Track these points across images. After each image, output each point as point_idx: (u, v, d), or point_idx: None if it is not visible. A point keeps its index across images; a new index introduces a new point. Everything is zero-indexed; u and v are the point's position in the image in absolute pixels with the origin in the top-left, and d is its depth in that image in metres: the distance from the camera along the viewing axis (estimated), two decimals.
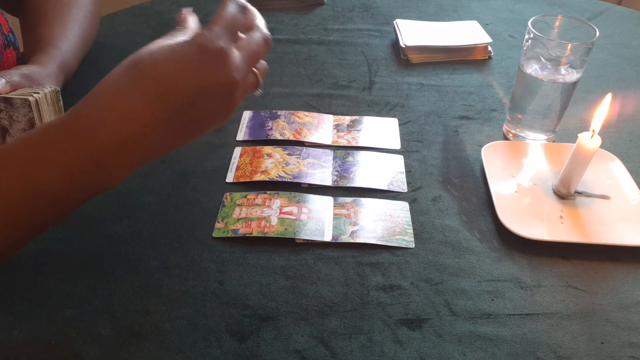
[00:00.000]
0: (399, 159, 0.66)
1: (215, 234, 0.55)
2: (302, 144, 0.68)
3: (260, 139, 0.68)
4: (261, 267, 0.52)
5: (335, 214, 0.57)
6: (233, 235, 0.55)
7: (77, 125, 0.39)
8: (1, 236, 0.40)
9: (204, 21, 1.02)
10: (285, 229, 0.55)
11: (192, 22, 0.44)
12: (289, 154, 0.65)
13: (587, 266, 0.53)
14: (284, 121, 0.71)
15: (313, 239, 0.54)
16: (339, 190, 0.61)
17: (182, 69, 0.39)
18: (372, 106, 0.75)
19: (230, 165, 0.64)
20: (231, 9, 0.42)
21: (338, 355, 0.45)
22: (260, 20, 0.44)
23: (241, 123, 0.71)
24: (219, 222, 0.56)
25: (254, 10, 0.43)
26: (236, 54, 0.40)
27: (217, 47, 0.39)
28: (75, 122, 0.39)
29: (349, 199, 0.59)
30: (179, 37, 0.40)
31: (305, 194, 0.60)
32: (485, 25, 0.93)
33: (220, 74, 0.39)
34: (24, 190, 0.38)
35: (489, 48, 0.87)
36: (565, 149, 0.65)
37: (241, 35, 0.43)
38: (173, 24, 0.47)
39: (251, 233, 0.55)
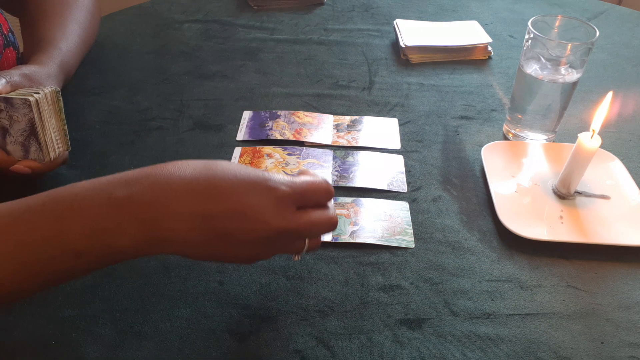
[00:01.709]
0: (399, 159, 0.66)
1: None
2: (302, 144, 0.68)
3: (260, 139, 0.68)
4: (261, 267, 0.52)
5: None
6: None
7: (122, 191, 0.38)
8: (20, 285, 0.38)
9: (203, 21, 1.01)
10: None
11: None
12: (289, 154, 0.65)
13: (587, 266, 0.53)
14: (284, 121, 0.71)
15: None
16: (339, 190, 0.61)
17: (237, 184, 0.39)
18: (372, 106, 0.75)
19: None
20: (321, 185, 0.42)
21: (338, 355, 0.45)
22: (332, 204, 0.44)
23: (241, 123, 0.71)
24: None
25: (333, 194, 0.44)
26: (291, 209, 0.40)
27: (278, 188, 0.39)
28: (120, 186, 0.38)
29: (349, 199, 0.59)
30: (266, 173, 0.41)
31: None
32: (485, 25, 0.93)
33: (264, 207, 0.39)
34: (53, 245, 0.37)
35: (489, 48, 0.87)
36: (565, 149, 0.65)
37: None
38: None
39: None
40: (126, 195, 0.38)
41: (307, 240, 0.43)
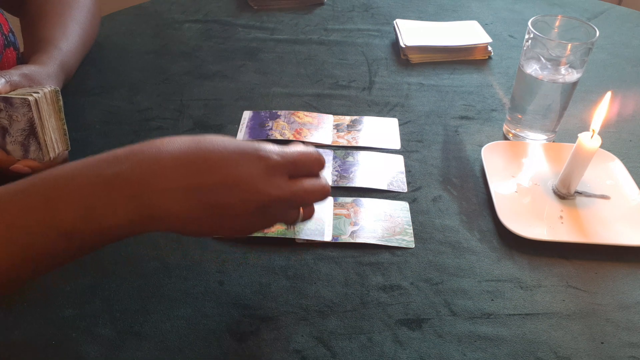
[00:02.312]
0: (399, 159, 0.66)
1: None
2: (302, 144, 0.68)
3: (260, 139, 0.68)
4: (261, 267, 0.52)
5: (335, 214, 0.57)
6: None
7: (112, 170, 0.38)
8: (14, 272, 0.38)
9: (203, 21, 1.01)
10: (286, 229, 0.55)
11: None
12: None
13: (587, 266, 0.53)
14: (284, 121, 0.71)
15: (313, 239, 0.54)
16: (339, 190, 0.61)
17: (227, 156, 0.39)
18: (372, 106, 0.75)
19: None
20: (312, 155, 0.43)
21: (338, 355, 0.45)
22: (323, 174, 0.44)
23: (241, 123, 0.71)
24: None
25: (324, 164, 0.44)
26: (284, 178, 0.40)
27: (270, 158, 0.40)
28: (108, 164, 0.38)
29: (349, 199, 0.59)
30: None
31: None
32: (485, 25, 0.93)
33: (256, 177, 0.39)
34: (45, 227, 0.37)
35: (489, 48, 0.87)
36: (565, 149, 0.65)
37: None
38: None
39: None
40: (115, 173, 0.37)
41: (301, 210, 0.43)
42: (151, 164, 0.38)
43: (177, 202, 0.38)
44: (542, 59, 0.63)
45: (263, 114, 0.73)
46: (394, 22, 0.93)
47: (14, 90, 0.56)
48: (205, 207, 0.38)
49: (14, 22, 0.72)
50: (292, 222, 0.43)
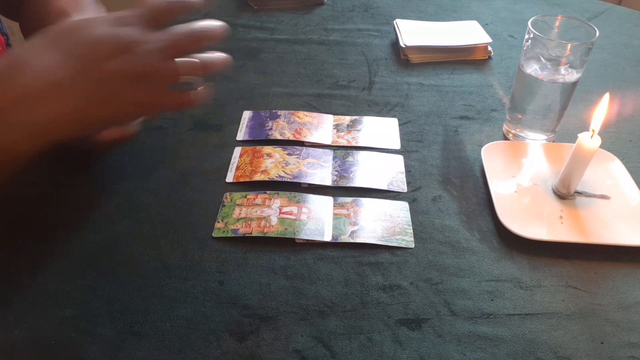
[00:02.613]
0: (399, 159, 0.66)
1: (215, 234, 0.55)
2: (302, 144, 0.68)
3: (260, 139, 0.68)
4: (261, 267, 0.52)
5: (335, 214, 0.57)
6: (233, 235, 0.55)
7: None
8: None
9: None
10: (285, 229, 0.55)
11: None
12: (289, 154, 0.65)
13: (587, 266, 0.53)
14: (284, 121, 0.71)
15: (313, 239, 0.54)
16: (339, 190, 0.61)
17: (88, 22, 0.43)
18: (372, 106, 0.75)
19: (230, 165, 0.64)
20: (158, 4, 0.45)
21: (338, 355, 0.45)
22: (197, 23, 0.46)
23: (241, 123, 0.71)
24: (218, 222, 0.56)
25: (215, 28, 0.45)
26: (143, 29, 0.43)
27: (126, 14, 0.42)
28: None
29: (348, 199, 0.59)
30: None
31: (305, 194, 0.60)
32: (485, 25, 0.93)
33: (114, 25, 0.42)
34: None
35: (489, 48, 0.87)
36: (565, 149, 0.65)
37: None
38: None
39: (251, 233, 0.55)
40: None
41: (175, 60, 0.45)
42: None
43: (49, 99, 0.41)
44: (542, 59, 0.63)
45: (263, 113, 0.73)
46: (394, 22, 0.93)
47: None
48: (81, 84, 0.41)
49: (14, 25, 0.72)
50: (170, 77, 0.45)
